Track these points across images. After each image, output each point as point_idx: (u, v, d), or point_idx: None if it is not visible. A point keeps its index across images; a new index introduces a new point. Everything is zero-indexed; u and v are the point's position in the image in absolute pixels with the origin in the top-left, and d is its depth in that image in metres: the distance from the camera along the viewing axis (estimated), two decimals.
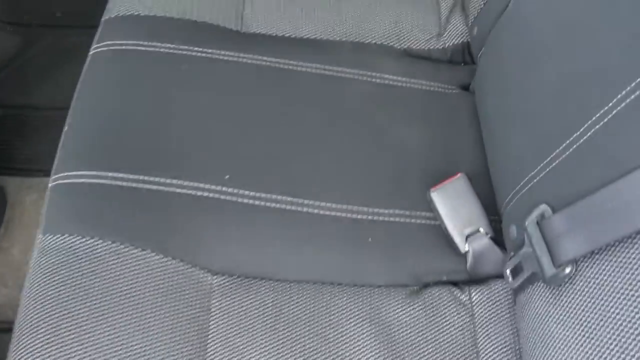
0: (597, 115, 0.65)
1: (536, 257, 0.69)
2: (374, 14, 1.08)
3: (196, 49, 0.97)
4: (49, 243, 0.81)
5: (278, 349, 0.77)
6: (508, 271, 0.77)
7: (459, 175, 0.87)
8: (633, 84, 0.60)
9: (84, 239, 0.80)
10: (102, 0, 1.11)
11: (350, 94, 0.97)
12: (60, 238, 0.81)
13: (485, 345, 0.79)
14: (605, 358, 0.59)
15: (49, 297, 0.77)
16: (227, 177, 0.86)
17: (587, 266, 0.64)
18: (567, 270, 0.66)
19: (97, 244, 0.80)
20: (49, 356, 0.74)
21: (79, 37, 1.25)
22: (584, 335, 0.62)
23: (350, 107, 0.96)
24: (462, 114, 0.98)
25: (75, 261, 0.79)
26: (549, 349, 0.67)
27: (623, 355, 0.57)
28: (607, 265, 0.61)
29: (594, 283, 0.63)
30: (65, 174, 0.86)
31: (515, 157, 0.82)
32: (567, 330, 0.65)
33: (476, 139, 0.95)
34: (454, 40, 1.08)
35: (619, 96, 0.62)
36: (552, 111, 0.75)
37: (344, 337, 0.79)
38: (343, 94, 0.97)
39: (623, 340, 0.57)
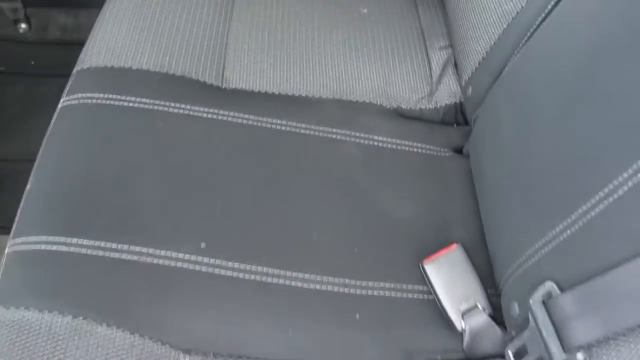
0: (610, 188, 0.60)
1: (543, 340, 0.63)
2: (362, 72, 1.03)
3: (173, 104, 0.91)
4: (2, 317, 0.72)
5: None
6: (511, 354, 0.70)
7: (454, 246, 0.81)
8: None
9: (41, 314, 0.72)
10: (78, 49, 1.05)
11: (336, 156, 0.91)
12: (15, 312, 0.72)
13: None
14: None
15: None
16: (202, 245, 0.78)
17: (602, 353, 0.58)
18: (579, 356, 0.60)
19: (56, 320, 0.72)
20: None
21: (52, 86, 1.20)
22: None
23: (337, 170, 0.90)
24: (456, 178, 0.92)
25: (30, 339, 0.71)
26: None
27: None
28: (625, 353, 0.56)
29: None
30: (24, 239, 0.78)
31: (516, 229, 0.76)
32: None
33: (471, 205, 0.89)
34: (446, 100, 1.03)
35: (634, 167, 0.57)
36: (556, 182, 0.69)
37: None
38: (329, 156, 0.91)
39: None
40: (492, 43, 0.93)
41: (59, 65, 1.23)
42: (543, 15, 0.81)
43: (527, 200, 0.74)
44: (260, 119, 0.92)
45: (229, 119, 0.91)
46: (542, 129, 0.73)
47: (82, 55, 1.01)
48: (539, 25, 0.82)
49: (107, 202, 0.81)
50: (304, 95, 0.99)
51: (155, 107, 0.91)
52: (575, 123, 0.68)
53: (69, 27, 1.69)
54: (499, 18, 0.92)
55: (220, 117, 0.91)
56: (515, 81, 0.82)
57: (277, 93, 0.99)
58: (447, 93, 1.03)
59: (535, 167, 0.73)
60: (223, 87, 0.99)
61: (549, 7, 0.80)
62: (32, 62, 1.65)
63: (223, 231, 0.81)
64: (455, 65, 1.07)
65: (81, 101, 0.91)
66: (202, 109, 0.92)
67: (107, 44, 0.99)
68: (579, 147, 0.66)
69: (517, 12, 0.88)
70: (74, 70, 0.99)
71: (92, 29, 1.05)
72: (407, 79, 1.04)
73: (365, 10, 1.14)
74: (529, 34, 0.84)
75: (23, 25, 1.66)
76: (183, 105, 0.91)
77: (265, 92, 0.99)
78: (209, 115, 0.91)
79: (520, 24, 0.86)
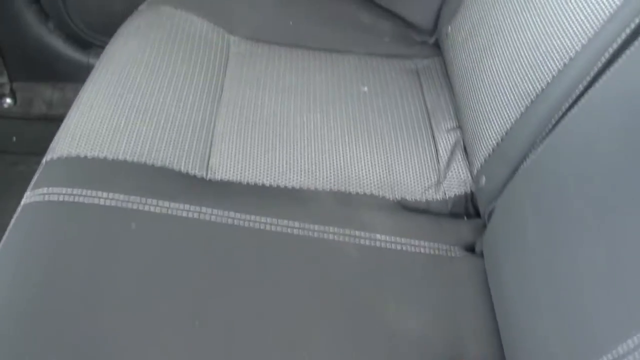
0: None
1: None
2: (363, 159, 0.93)
3: (149, 201, 0.81)
4: None
5: None
6: None
7: None
8: None
9: None
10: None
11: (333, 260, 0.80)
12: None
13: None
14: None
15: None
16: None
17: None
18: None
19: None
20: None
21: (32, 164, 1.12)
22: None
23: (334, 277, 0.79)
24: (468, 283, 0.82)
25: None
26: None
27: None
28: None
29: None
30: None
31: (543, 354, 0.65)
32: None
33: (487, 316, 0.78)
34: (455, 190, 0.93)
35: None
36: (596, 304, 0.58)
37: None
38: (325, 260, 0.80)
39: None
40: (508, 127, 0.84)
41: (43, 142, 1.15)
42: (570, 100, 0.72)
43: (559, 321, 0.63)
44: (247, 217, 0.82)
45: (213, 218, 0.81)
46: (577, 237, 0.63)
47: (53, 143, 0.91)
48: (566, 112, 0.72)
49: (64, 328, 0.69)
50: (297, 187, 0.89)
51: (130, 205, 0.80)
52: (617, 232, 0.57)
53: (55, 102, 1.62)
54: (515, 99, 0.83)
55: (202, 217, 0.81)
56: (541, 177, 0.72)
57: (268, 185, 0.89)
58: (457, 182, 0.93)
59: (569, 281, 0.63)
60: (208, 178, 0.89)
61: (578, 91, 0.71)
62: (14, 139, 1.58)
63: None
64: (465, 149, 0.97)
65: (46, 197, 0.81)
66: (182, 206, 0.81)
67: (81, 130, 0.90)
68: (624, 264, 0.56)
69: (537, 95, 0.79)
70: (43, 160, 0.89)
71: (68, 113, 0.96)
72: (412, 166, 0.94)
73: (366, 89, 1.05)
74: (553, 121, 0.74)
75: (8, 100, 1.61)
76: (161, 203, 0.81)
77: (255, 184, 0.89)
78: (190, 214, 0.81)
79: (541, 108, 0.77)
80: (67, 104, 1.54)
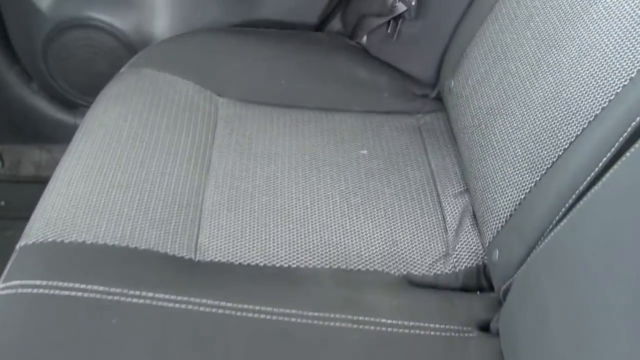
0: None
1: None
2: (364, 231, 0.86)
3: (132, 292, 0.73)
4: None
5: None
6: None
7: None
8: None
9: None
10: None
11: (335, 349, 0.72)
12: None
13: None
14: None
15: None
16: None
17: None
18: None
19: None
20: None
21: (21, 230, 1.06)
22: None
23: None
24: None
25: None
26: None
27: None
28: None
29: None
30: None
31: None
32: None
33: None
34: (466, 263, 0.85)
35: None
36: None
37: None
38: (326, 350, 0.73)
39: None
40: (522, 197, 0.77)
41: (32, 206, 1.09)
42: (593, 173, 0.65)
43: None
44: (240, 307, 0.74)
45: (201, 308, 0.73)
46: (608, 324, 0.55)
47: (28, 226, 0.85)
48: (590, 186, 0.64)
49: None
50: (294, 266, 0.82)
51: (110, 297, 0.73)
52: None
53: (43, 164, 1.57)
54: (529, 167, 0.76)
55: (190, 307, 0.73)
56: (563, 257, 0.64)
57: (262, 264, 0.82)
58: (467, 253, 0.86)
59: None
60: (196, 259, 0.81)
61: (601, 164, 0.64)
62: (2, 203, 1.52)
63: None
64: (474, 214, 0.90)
65: (19, 290, 0.74)
66: (168, 297, 0.74)
67: (57, 212, 0.83)
68: None
69: (553, 162, 0.72)
70: (17, 246, 0.82)
71: (44, 191, 0.89)
72: (418, 237, 0.87)
73: (365, 152, 0.98)
74: (574, 196, 0.67)
75: None
76: (144, 293, 0.74)
77: (248, 265, 0.81)
78: (176, 305, 0.73)
79: (559, 178, 0.70)
80: (55, 166, 1.50)
